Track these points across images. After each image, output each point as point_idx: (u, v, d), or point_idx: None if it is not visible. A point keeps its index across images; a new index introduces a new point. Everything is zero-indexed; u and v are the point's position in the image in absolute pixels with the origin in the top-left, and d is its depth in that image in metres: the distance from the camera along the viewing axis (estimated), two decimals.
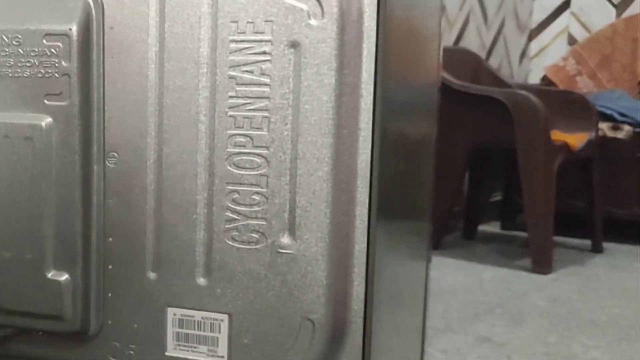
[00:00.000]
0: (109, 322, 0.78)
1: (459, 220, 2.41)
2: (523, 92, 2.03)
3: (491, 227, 2.58)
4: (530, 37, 3.19)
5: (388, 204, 0.73)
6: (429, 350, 1.08)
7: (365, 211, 0.69)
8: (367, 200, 0.68)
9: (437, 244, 2.20)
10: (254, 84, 0.69)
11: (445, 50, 2.27)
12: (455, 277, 1.79)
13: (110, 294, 0.78)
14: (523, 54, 3.17)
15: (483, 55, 2.77)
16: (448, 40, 2.54)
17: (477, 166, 2.34)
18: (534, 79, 3.15)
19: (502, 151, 2.26)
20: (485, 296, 1.65)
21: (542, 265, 1.97)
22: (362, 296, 0.70)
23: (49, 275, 0.77)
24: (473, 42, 2.72)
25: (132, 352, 0.78)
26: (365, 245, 0.69)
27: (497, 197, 2.61)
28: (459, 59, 2.27)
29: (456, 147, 2.05)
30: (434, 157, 0.88)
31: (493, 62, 2.88)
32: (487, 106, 2.01)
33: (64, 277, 0.76)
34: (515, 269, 1.97)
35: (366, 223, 0.69)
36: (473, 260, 2.05)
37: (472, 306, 1.54)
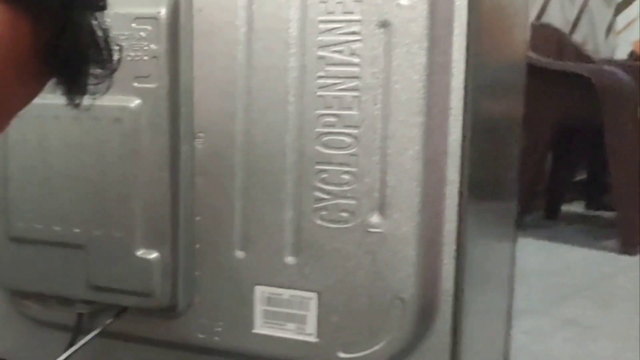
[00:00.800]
0: (197, 299, 0.86)
1: (541, 199, 2.43)
2: (610, 67, 2.03)
3: (575, 207, 2.59)
4: (617, 11, 3.16)
5: (478, 184, 0.78)
6: (512, 331, 1.13)
7: (456, 190, 0.74)
8: (457, 179, 0.74)
9: (519, 224, 2.23)
10: (344, 64, 0.75)
11: None
12: (538, 258, 1.82)
13: (198, 272, 0.86)
14: (609, 28, 3.14)
15: (567, 30, 2.77)
16: (530, 15, 2.54)
17: (560, 144, 2.36)
18: (621, 54, 3.13)
19: (586, 129, 2.28)
20: (571, 278, 1.68)
21: (631, 245, 1.99)
22: (452, 275, 0.76)
23: (138, 253, 0.84)
24: (556, 17, 2.72)
25: (220, 329, 0.86)
26: (455, 224, 0.75)
27: (582, 176, 2.62)
28: (542, 35, 2.29)
29: (539, 125, 2.08)
30: (520, 136, 0.93)
31: (577, 38, 2.87)
32: (571, 83, 2.03)
33: (153, 255, 0.84)
34: (601, 250, 1.99)
35: (456, 202, 0.74)
36: (557, 240, 2.08)
37: (557, 288, 1.57)
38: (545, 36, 2.31)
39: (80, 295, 0.88)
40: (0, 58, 0.43)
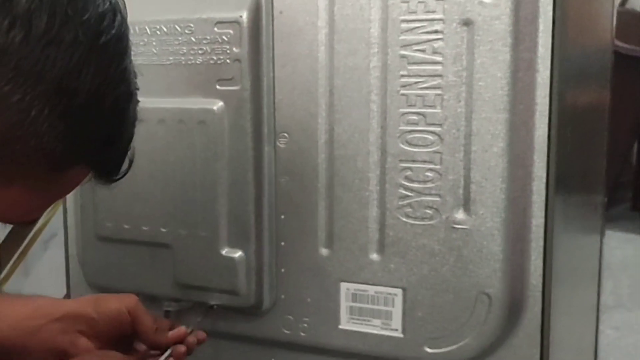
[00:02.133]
0: (283, 296, 0.93)
1: (627, 191, 2.43)
2: None
3: None
4: None
5: (565, 178, 0.82)
6: (601, 327, 1.16)
7: (543, 186, 0.78)
8: (544, 175, 0.78)
9: (605, 217, 2.23)
10: (426, 63, 0.80)
11: None
12: (624, 251, 1.83)
13: (283, 270, 0.92)
14: None
15: None
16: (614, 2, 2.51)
17: None
18: None
19: None
20: None
21: None
22: (540, 271, 0.80)
23: (223, 252, 0.91)
24: None
25: (305, 325, 0.92)
26: (542, 219, 0.79)
27: None
28: (625, 21, 2.27)
29: (624, 115, 2.08)
30: (607, 126, 0.96)
31: None
32: None
33: (238, 254, 0.91)
34: None
35: (544, 197, 0.79)
36: None
37: None
38: (630, 23, 2.29)
39: (167, 293, 0.96)
40: (69, 191, 0.61)
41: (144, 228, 0.95)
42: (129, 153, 0.63)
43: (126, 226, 0.96)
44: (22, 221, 0.62)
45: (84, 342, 0.80)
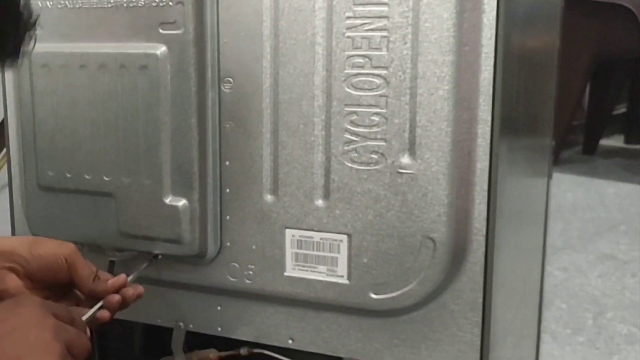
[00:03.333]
0: (228, 244, 0.92)
1: (578, 134, 2.46)
2: None
3: (614, 141, 2.62)
4: None
5: (511, 121, 0.82)
6: (548, 268, 1.18)
7: (488, 129, 0.78)
8: (489, 118, 0.77)
9: (556, 160, 2.27)
10: (372, 4, 0.78)
11: None
12: (575, 194, 1.87)
13: (228, 217, 0.91)
14: None
15: None
16: None
17: (599, 78, 2.38)
18: None
19: (626, 61, 2.28)
20: (608, 213, 1.73)
21: None
22: (484, 214, 0.80)
23: (167, 200, 0.89)
24: None
25: (251, 272, 0.91)
26: (487, 163, 0.79)
27: (621, 109, 2.63)
28: None
29: (577, 58, 2.09)
30: (557, 70, 0.95)
31: None
32: (611, 14, 2.04)
33: (182, 202, 0.89)
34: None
35: (488, 141, 0.78)
36: (594, 176, 2.12)
37: (593, 223, 1.62)
38: None
39: (111, 242, 0.94)
40: None
41: (87, 177, 0.93)
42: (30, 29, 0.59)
43: (68, 175, 0.94)
44: None
45: (12, 278, 0.78)
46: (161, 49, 0.86)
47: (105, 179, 0.92)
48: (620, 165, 2.30)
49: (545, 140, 1.06)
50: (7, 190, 1.05)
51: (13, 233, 1.05)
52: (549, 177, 1.10)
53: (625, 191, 1.95)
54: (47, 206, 0.97)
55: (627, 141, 2.65)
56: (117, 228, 0.92)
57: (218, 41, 0.86)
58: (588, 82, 2.30)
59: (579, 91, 2.21)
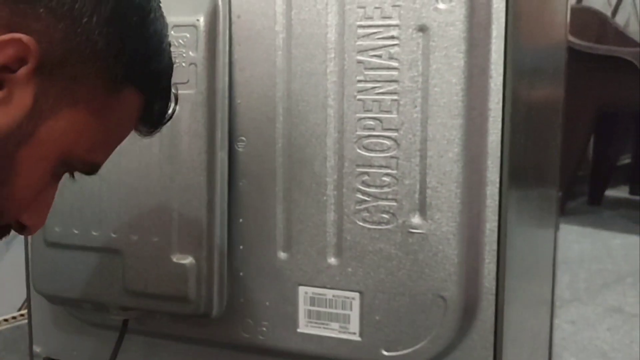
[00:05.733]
0: (241, 300, 0.92)
1: (584, 185, 2.47)
2: None
3: (619, 192, 2.62)
4: None
5: (518, 180, 0.83)
6: (556, 322, 1.17)
7: (496, 190, 0.79)
8: (497, 180, 0.78)
9: (562, 211, 2.27)
10: (383, 68, 0.80)
11: None
12: (581, 245, 1.86)
13: (241, 273, 0.91)
14: None
15: (608, 13, 2.78)
16: None
17: (603, 129, 2.40)
18: None
19: (630, 113, 2.30)
20: (615, 265, 1.72)
21: None
22: (494, 274, 0.81)
23: (174, 258, 0.89)
24: (597, 0, 2.73)
25: (264, 328, 0.92)
26: (496, 223, 0.79)
27: (626, 160, 2.64)
28: (582, 18, 2.31)
29: (581, 110, 2.11)
30: (562, 122, 0.97)
31: (619, 20, 2.87)
32: (614, 67, 2.06)
33: (188, 260, 0.89)
34: None
35: (497, 202, 0.79)
36: (600, 227, 2.11)
37: (600, 275, 1.61)
38: (586, 20, 2.34)
39: (116, 300, 0.93)
40: (125, 127, 0.65)
41: (94, 233, 0.93)
42: (173, 90, 0.68)
43: (75, 231, 0.94)
44: (86, 161, 0.63)
45: None
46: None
47: (113, 235, 0.92)
48: (625, 217, 2.30)
49: (552, 192, 1.06)
50: (18, 238, 1.05)
51: (28, 285, 1.06)
52: (556, 228, 1.10)
53: (631, 242, 1.95)
54: (52, 262, 0.96)
55: (632, 192, 2.65)
56: (123, 285, 0.92)
57: (230, 102, 0.88)
58: (592, 134, 2.32)
59: (583, 142, 2.23)
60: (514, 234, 0.84)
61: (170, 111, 0.69)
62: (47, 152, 0.59)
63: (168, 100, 0.68)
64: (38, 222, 0.64)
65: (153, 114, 0.66)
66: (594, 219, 2.24)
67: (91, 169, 0.65)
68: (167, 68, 0.66)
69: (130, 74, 0.61)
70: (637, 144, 2.60)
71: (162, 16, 0.64)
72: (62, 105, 0.58)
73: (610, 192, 2.58)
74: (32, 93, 0.56)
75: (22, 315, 1.79)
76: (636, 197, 2.62)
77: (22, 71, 0.55)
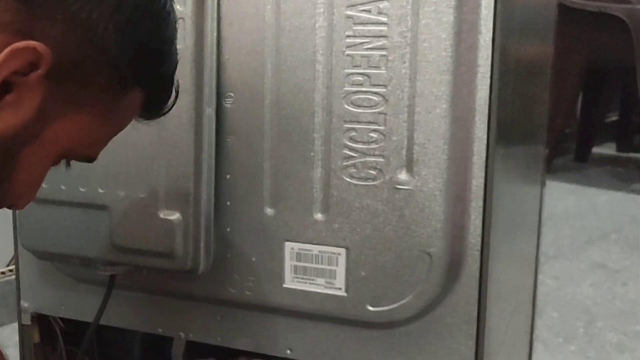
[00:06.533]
0: (228, 255, 0.92)
1: (571, 142, 2.47)
2: None
3: (606, 149, 2.63)
4: None
5: (506, 137, 0.83)
6: (540, 277, 1.19)
7: (483, 147, 0.79)
8: (485, 136, 0.78)
9: (548, 168, 2.28)
10: (372, 23, 0.79)
11: None
12: (566, 202, 1.87)
13: (228, 229, 0.92)
14: None
15: None
16: None
17: (591, 86, 2.40)
18: None
19: (618, 70, 2.30)
20: (599, 221, 1.74)
21: None
22: (479, 230, 0.81)
23: (161, 214, 0.89)
24: None
25: (250, 283, 0.92)
26: (482, 180, 0.80)
27: (613, 117, 2.65)
28: None
29: (570, 67, 2.11)
30: (550, 79, 0.96)
31: None
32: (604, 23, 2.05)
33: (176, 215, 0.89)
34: (631, 193, 2.04)
35: (484, 158, 0.79)
36: (586, 183, 2.13)
37: (585, 232, 1.63)
38: None
39: (103, 256, 0.93)
40: (127, 121, 0.67)
41: (81, 189, 0.92)
42: (175, 82, 0.68)
43: (63, 187, 0.93)
44: (87, 156, 0.65)
45: None
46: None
47: (100, 191, 0.92)
48: (611, 174, 2.31)
49: (539, 148, 1.07)
50: None
51: (16, 244, 1.06)
52: (543, 185, 1.11)
53: (617, 199, 1.97)
54: (39, 218, 0.96)
55: (618, 149, 2.67)
56: (110, 241, 0.92)
57: (218, 57, 0.87)
58: (580, 91, 2.32)
59: (571, 99, 2.23)
60: (500, 191, 0.84)
61: (171, 101, 0.70)
62: (50, 151, 0.60)
63: (170, 93, 0.68)
64: (28, 202, 0.65)
65: (155, 107, 0.68)
66: (580, 175, 2.25)
67: (90, 160, 0.67)
68: (173, 69, 0.67)
69: (140, 78, 0.62)
70: (625, 101, 2.60)
71: (174, 12, 0.64)
72: (69, 109, 0.59)
73: (597, 149, 2.60)
74: (41, 97, 0.56)
75: (10, 270, 1.79)
76: (623, 155, 2.63)
77: (33, 76, 0.55)
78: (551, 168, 2.30)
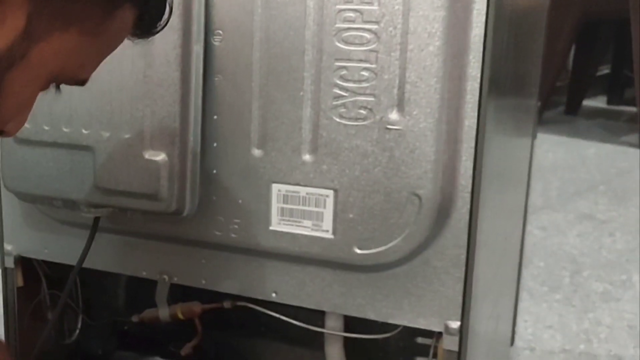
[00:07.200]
0: (214, 197, 0.91)
1: (561, 95, 2.46)
2: None
3: (596, 102, 2.62)
4: None
5: (499, 80, 0.81)
6: (527, 227, 1.18)
7: (477, 86, 0.77)
8: (479, 75, 0.76)
9: (538, 120, 2.27)
10: None
11: None
12: (556, 154, 1.87)
13: (215, 171, 0.90)
14: None
15: None
16: None
17: (583, 38, 2.37)
18: None
19: (612, 22, 2.28)
20: (588, 173, 1.73)
21: None
22: (470, 172, 0.80)
23: (146, 155, 0.87)
24: None
25: (236, 226, 0.91)
26: (475, 120, 0.78)
27: (605, 70, 2.63)
28: None
29: (562, 19, 2.08)
30: (544, 31, 0.94)
31: None
32: None
33: (161, 156, 0.87)
34: (621, 145, 2.03)
35: (477, 98, 0.77)
36: (576, 136, 2.12)
37: (573, 183, 1.62)
38: None
39: (87, 198, 0.91)
40: (118, 41, 0.63)
41: (65, 130, 0.90)
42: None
43: (46, 127, 0.91)
44: (77, 78, 0.63)
45: None
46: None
47: (84, 132, 0.89)
48: (601, 126, 2.31)
49: (531, 101, 1.05)
50: None
51: None
52: (533, 137, 1.09)
53: (606, 152, 1.96)
54: (22, 160, 0.94)
55: (609, 102, 2.66)
56: (94, 183, 0.90)
57: None
58: (573, 43, 2.30)
59: (563, 52, 2.21)
60: (492, 135, 0.83)
61: (164, 19, 0.66)
62: (38, 74, 0.58)
63: (164, 10, 0.65)
64: (18, 129, 0.63)
65: (147, 25, 0.64)
66: (570, 128, 2.25)
67: (81, 83, 0.64)
68: None
69: None
70: (617, 54, 2.58)
71: None
72: (56, 27, 0.56)
73: (587, 102, 2.58)
74: (25, 14, 0.54)
75: None
76: (613, 107, 2.62)
77: None
78: (541, 120, 2.29)
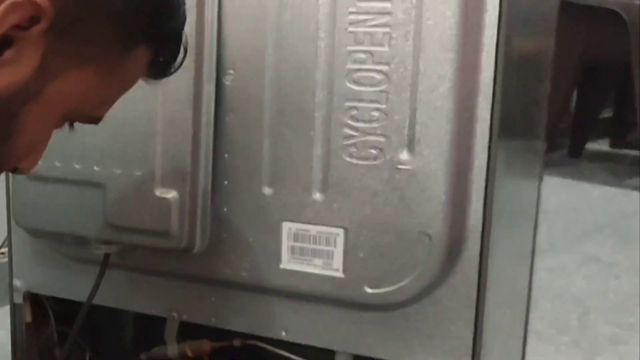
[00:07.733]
0: (224, 235, 0.91)
1: (565, 137, 2.47)
2: None
3: (599, 145, 2.63)
4: None
5: (508, 121, 0.81)
6: (534, 269, 1.17)
7: (487, 127, 0.77)
8: (488, 117, 0.77)
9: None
10: (375, 0, 0.77)
11: None
12: (560, 196, 1.87)
13: (225, 209, 0.90)
14: None
15: None
16: None
17: (586, 81, 2.39)
18: None
19: (614, 66, 2.30)
20: (593, 216, 1.73)
21: None
22: (480, 212, 0.80)
23: (157, 192, 0.87)
24: None
25: (246, 264, 0.90)
26: (485, 161, 0.78)
27: (607, 113, 2.65)
28: None
29: (565, 62, 2.10)
30: (550, 73, 0.95)
31: None
32: (600, 18, 2.04)
33: (172, 194, 0.87)
34: (624, 188, 2.03)
35: (487, 139, 0.78)
36: (579, 178, 2.12)
37: (578, 226, 1.62)
38: None
39: (97, 234, 0.91)
40: (132, 81, 0.65)
41: (76, 166, 0.91)
42: (183, 39, 0.66)
43: (57, 164, 0.91)
44: (91, 116, 0.63)
45: None
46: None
47: (96, 168, 0.90)
48: (605, 169, 2.31)
49: (538, 143, 1.05)
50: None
51: (9, 218, 1.03)
52: (540, 179, 1.10)
53: (610, 194, 1.96)
54: (33, 196, 0.94)
55: (612, 145, 2.67)
56: (105, 219, 0.90)
57: (219, 34, 0.85)
58: (575, 86, 2.32)
59: (566, 94, 2.23)
60: (501, 176, 0.83)
61: (178, 61, 0.67)
62: (53, 111, 0.58)
63: (178, 51, 0.66)
64: (32, 166, 0.63)
65: (162, 66, 0.65)
66: (574, 170, 2.25)
67: (94, 121, 0.65)
68: (182, 25, 0.65)
69: (145, 34, 0.60)
70: (619, 97, 2.60)
71: None
72: (71, 65, 0.57)
73: (591, 145, 2.60)
74: (41, 52, 0.54)
75: (2, 253, 1.77)
76: (616, 151, 2.63)
77: (34, 30, 0.53)
78: (546, 162, 2.29)
